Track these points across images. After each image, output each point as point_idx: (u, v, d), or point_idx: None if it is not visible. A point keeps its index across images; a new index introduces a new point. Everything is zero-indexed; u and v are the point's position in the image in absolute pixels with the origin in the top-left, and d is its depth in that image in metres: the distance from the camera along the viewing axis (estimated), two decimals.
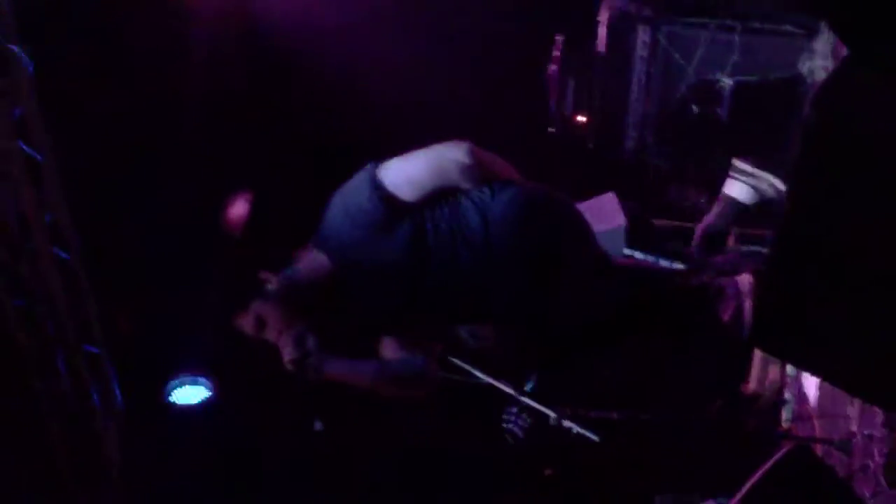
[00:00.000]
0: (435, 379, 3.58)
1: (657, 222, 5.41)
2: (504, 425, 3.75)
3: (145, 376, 6.49)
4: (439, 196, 3.46)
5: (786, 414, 4.47)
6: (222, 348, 6.11)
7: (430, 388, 3.57)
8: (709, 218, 5.46)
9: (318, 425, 6.19)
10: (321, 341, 3.41)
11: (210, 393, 6.59)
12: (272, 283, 3.44)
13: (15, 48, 5.43)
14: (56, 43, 5.84)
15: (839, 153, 2.59)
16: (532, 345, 3.83)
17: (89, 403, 6.18)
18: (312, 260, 3.51)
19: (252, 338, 3.45)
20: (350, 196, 3.44)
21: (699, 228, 5.38)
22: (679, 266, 4.47)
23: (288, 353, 3.38)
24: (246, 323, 3.43)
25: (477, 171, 3.44)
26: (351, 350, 3.54)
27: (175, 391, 6.55)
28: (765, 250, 4.46)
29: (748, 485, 3.33)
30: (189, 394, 6.57)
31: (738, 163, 5.43)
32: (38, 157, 5.72)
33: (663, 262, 4.54)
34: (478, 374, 3.86)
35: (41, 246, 5.81)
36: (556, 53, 6.06)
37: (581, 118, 6.00)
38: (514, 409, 3.73)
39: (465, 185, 3.44)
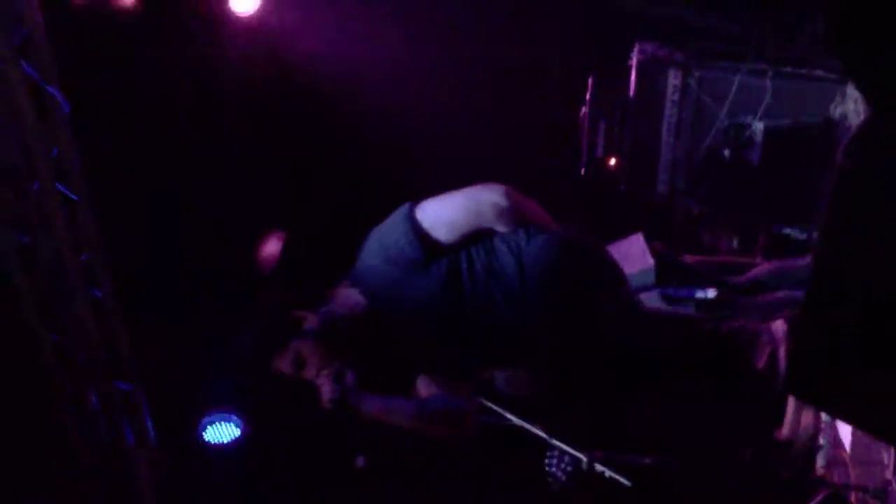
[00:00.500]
0: (474, 417, 3.58)
1: (688, 258, 5.38)
2: (547, 468, 3.74)
3: (178, 414, 6.51)
4: (475, 237, 3.47)
5: (820, 460, 4.44)
6: (255, 386, 6.13)
7: (469, 427, 3.57)
8: (773, 265, 5.43)
9: (360, 461, 6.15)
10: (359, 379, 3.42)
11: (241, 431, 6.59)
12: (310, 322, 3.45)
13: (53, 90, 5.49)
14: (93, 84, 5.89)
15: (872, 200, 2.59)
16: (564, 389, 3.83)
17: (122, 440, 6.20)
18: (348, 297, 3.52)
19: (289, 377, 3.46)
20: (387, 235, 3.45)
21: (759, 268, 5.34)
22: (713, 292, 4.43)
23: (327, 392, 3.36)
24: (284, 362, 3.43)
25: (513, 215, 3.44)
26: (387, 389, 3.54)
27: (207, 429, 6.56)
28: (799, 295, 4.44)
29: None
30: (221, 432, 6.57)
31: None
32: (75, 197, 5.77)
33: (698, 292, 4.51)
34: (509, 416, 3.85)
35: (76, 285, 5.85)
36: (588, 96, 6.09)
37: (612, 161, 6.01)
38: (556, 452, 3.72)
39: (501, 228, 3.45)
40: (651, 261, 5.50)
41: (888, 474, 3.71)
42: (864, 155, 2.63)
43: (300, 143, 6.97)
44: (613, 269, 3.74)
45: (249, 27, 6.78)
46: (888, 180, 2.59)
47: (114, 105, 6.20)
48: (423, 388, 3.60)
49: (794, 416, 4.46)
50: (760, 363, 3.74)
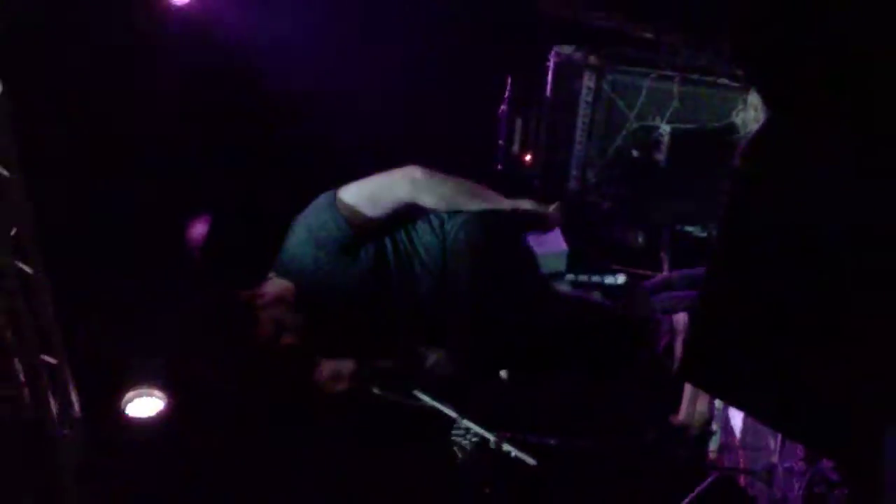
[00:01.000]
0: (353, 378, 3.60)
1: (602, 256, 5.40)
2: (453, 439, 3.75)
3: (103, 387, 6.42)
4: (399, 221, 3.46)
5: (713, 444, 4.50)
6: (179, 362, 6.07)
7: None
8: (679, 272, 5.49)
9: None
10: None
11: (164, 406, 6.52)
12: (266, 293, 3.43)
13: None
14: (23, 65, 5.76)
15: (764, 202, 2.65)
16: (483, 368, 3.84)
17: (47, 411, 6.11)
18: (274, 285, 3.50)
19: (270, 349, 3.42)
20: (313, 218, 3.42)
21: (661, 278, 5.40)
22: (622, 278, 4.45)
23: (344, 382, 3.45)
24: (265, 332, 3.39)
25: (429, 185, 3.45)
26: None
27: (131, 403, 6.47)
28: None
29: None
30: (145, 406, 6.49)
31: None
32: (5, 172, 5.65)
33: (608, 278, 4.54)
34: (424, 397, 3.85)
35: (4, 258, 5.74)
36: (507, 94, 6.10)
37: (527, 156, 6.03)
38: (461, 428, 3.74)
39: (421, 201, 3.45)
40: (565, 246, 5.53)
41: (774, 458, 3.78)
42: (758, 157, 2.68)
43: (228, 127, 6.89)
44: (527, 251, 3.79)
45: (184, 13, 6.72)
46: (779, 180, 2.64)
47: (49, 86, 6.07)
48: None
49: (690, 403, 4.51)
50: (659, 349, 3.80)
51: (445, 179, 3.49)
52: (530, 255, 3.78)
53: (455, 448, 3.72)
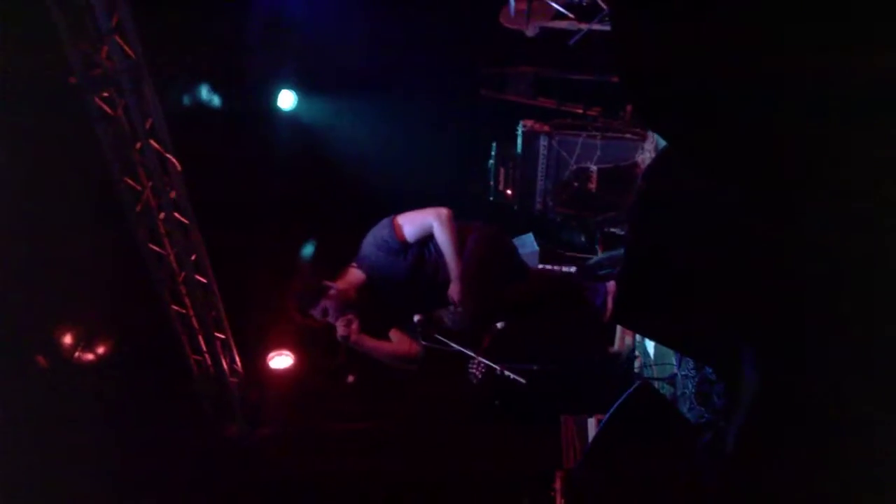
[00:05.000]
0: (420, 360, 3.53)
1: (559, 250, 5.36)
2: (469, 370, 3.71)
3: (254, 352, 6.37)
4: (429, 237, 3.46)
5: (636, 364, 4.45)
6: (297, 331, 6.00)
7: (416, 366, 3.53)
8: (605, 255, 5.43)
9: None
10: (361, 324, 3.38)
11: (292, 361, 6.45)
12: (332, 288, 3.41)
13: (171, 156, 5.40)
14: (195, 147, 5.70)
15: (658, 206, 2.61)
16: (486, 322, 3.79)
17: (220, 368, 6.13)
18: (353, 273, 3.50)
19: (318, 322, 3.40)
20: (378, 233, 3.45)
21: (598, 256, 5.34)
22: (572, 269, 4.37)
23: (340, 330, 3.34)
24: (316, 313, 3.38)
25: (440, 226, 3.40)
26: (374, 334, 3.48)
27: (272, 360, 6.43)
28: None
29: (616, 404, 3.31)
30: (280, 361, 6.45)
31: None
32: (186, 220, 5.67)
33: (565, 268, 4.46)
34: (452, 344, 3.80)
35: (189, 274, 5.75)
36: (493, 153, 6.08)
37: (508, 191, 6.00)
38: (475, 362, 3.68)
39: (433, 230, 3.42)
40: (536, 247, 5.49)
41: (675, 369, 3.72)
42: (652, 180, 2.64)
43: (318, 178, 6.77)
44: (512, 249, 3.78)
45: (289, 118, 6.69)
46: (667, 192, 2.60)
47: (210, 162, 5.94)
48: (394, 337, 3.56)
49: (620, 338, 4.47)
50: (598, 304, 3.76)
51: (447, 230, 3.42)
52: (514, 252, 3.77)
53: (470, 377, 3.66)
